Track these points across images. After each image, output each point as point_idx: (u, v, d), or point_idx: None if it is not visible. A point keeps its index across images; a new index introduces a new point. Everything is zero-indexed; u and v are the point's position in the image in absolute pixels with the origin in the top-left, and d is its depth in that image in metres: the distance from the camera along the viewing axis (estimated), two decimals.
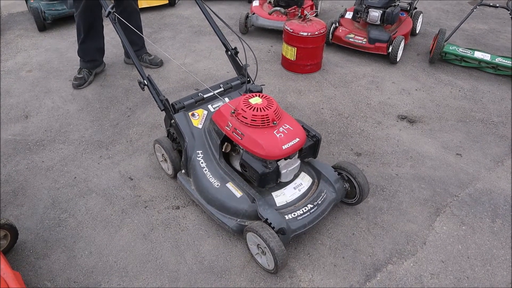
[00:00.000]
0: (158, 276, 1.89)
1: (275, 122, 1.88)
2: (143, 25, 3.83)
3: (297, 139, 1.89)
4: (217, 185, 2.00)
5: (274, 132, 1.86)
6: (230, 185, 1.99)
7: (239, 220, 1.94)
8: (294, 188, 2.01)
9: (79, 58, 3.46)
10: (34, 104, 3.19)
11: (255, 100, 1.93)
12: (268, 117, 1.87)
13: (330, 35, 3.97)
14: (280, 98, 3.25)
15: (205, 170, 2.05)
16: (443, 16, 4.97)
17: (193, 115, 2.18)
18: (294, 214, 1.90)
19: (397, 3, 3.89)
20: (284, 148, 1.83)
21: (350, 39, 3.86)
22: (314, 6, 4.46)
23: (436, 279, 1.88)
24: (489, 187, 2.40)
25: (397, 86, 3.45)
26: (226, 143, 2.06)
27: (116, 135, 2.85)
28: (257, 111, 1.87)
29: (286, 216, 1.88)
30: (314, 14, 3.61)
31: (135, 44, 3.52)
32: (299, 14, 3.52)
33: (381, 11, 3.72)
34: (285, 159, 1.93)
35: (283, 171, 1.92)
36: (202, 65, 3.75)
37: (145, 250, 2.01)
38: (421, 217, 2.19)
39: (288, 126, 1.91)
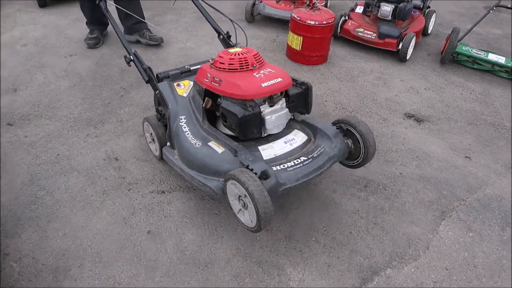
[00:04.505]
0: (134, 264, 1.73)
1: (255, 65, 1.79)
2: (146, 7, 3.72)
3: (279, 79, 1.76)
4: (198, 145, 1.82)
5: (254, 74, 1.77)
6: (212, 144, 1.80)
7: (221, 180, 1.70)
8: (285, 142, 1.81)
9: (87, 29, 3.53)
10: (25, 78, 3.04)
11: (235, 49, 1.87)
12: (246, 60, 1.79)
13: (339, 28, 3.80)
14: None
15: (187, 134, 1.89)
16: (456, 18, 4.80)
17: (178, 85, 2.08)
18: (284, 166, 1.67)
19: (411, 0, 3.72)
20: (263, 85, 1.71)
21: (359, 33, 3.69)
22: None
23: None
24: (499, 193, 2.23)
25: (405, 84, 3.29)
26: (206, 98, 1.88)
27: (107, 114, 2.69)
28: (235, 55, 1.80)
29: (274, 168, 1.64)
30: (323, 3, 3.44)
31: (133, 17, 3.40)
32: (308, 2, 3.35)
33: (393, 6, 3.55)
34: (271, 106, 1.79)
35: (267, 117, 1.75)
36: (204, 50, 3.59)
37: (124, 235, 1.86)
38: (425, 220, 2.03)
39: (269, 69, 1.80)
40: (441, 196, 2.18)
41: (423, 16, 4.01)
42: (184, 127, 1.93)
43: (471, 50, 3.50)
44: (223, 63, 1.81)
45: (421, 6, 4.05)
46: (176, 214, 1.98)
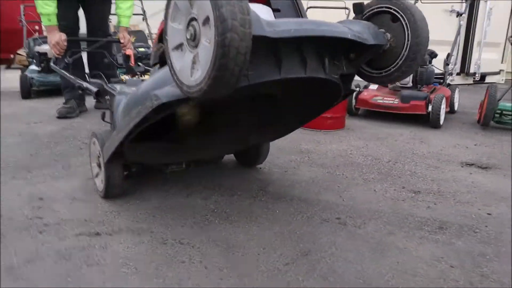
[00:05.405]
0: None
1: None
2: None
3: None
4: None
5: None
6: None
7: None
8: None
9: (64, 99, 3.08)
10: None
11: None
12: None
13: (353, 101, 3.32)
14: (293, 146, 2.41)
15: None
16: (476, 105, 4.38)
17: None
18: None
19: (429, 65, 3.33)
20: None
21: (378, 101, 3.19)
22: None
23: None
24: None
25: (448, 142, 2.60)
26: (159, 44, 1.35)
27: (52, 161, 1.98)
28: None
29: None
30: None
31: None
32: None
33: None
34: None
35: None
36: None
37: None
38: None
39: None
40: None
41: (446, 88, 3.58)
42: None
43: None
44: None
45: (441, 81, 3.65)
46: (110, 261, 1.08)
